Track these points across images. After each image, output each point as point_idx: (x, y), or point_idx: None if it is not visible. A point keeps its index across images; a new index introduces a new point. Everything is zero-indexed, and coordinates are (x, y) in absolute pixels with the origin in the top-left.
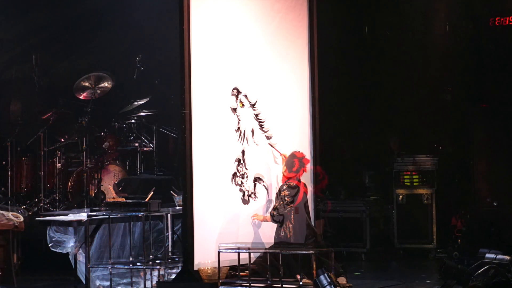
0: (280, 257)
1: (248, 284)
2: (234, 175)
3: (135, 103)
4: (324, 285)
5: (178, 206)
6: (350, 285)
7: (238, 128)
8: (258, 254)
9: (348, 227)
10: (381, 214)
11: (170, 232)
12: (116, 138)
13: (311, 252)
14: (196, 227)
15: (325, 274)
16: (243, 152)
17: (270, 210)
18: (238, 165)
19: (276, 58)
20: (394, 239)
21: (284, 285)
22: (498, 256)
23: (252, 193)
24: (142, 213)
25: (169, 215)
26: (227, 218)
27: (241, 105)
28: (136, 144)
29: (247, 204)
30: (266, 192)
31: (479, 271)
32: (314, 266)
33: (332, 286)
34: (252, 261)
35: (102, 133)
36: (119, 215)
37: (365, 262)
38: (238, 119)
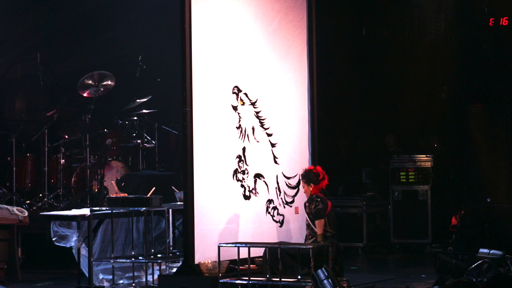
0: (279, 252)
1: (247, 278)
2: (236, 171)
3: (138, 100)
4: (321, 279)
5: (180, 202)
6: (346, 279)
7: (239, 125)
8: (257, 250)
9: (345, 223)
10: (377, 210)
11: (171, 228)
12: (118, 135)
13: (309, 247)
14: (197, 222)
15: (323, 269)
16: (244, 149)
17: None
18: (239, 161)
19: (276, 57)
20: (390, 235)
21: (282, 279)
22: (491, 251)
23: (253, 189)
24: (144, 208)
25: (170, 210)
26: (228, 213)
27: (241, 103)
28: (138, 141)
29: (248, 199)
30: (267, 188)
31: (473, 266)
32: (312, 261)
33: (330, 280)
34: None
35: (105, 130)
36: (121, 210)
37: (362, 257)
38: (239, 116)
